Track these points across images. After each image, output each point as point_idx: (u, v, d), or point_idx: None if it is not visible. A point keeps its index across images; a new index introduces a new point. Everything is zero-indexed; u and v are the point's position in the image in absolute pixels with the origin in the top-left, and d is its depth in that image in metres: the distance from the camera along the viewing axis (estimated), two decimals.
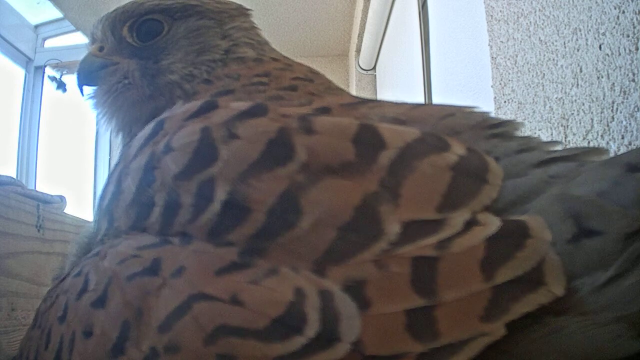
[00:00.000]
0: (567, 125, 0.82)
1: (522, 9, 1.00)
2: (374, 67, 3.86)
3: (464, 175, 0.41)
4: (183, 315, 0.38)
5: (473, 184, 0.40)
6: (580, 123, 0.78)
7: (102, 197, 0.55)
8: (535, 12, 0.94)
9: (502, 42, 1.11)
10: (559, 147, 0.48)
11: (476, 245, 0.36)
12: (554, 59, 0.87)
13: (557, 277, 0.35)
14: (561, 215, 0.37)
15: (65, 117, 4.18)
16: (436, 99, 2.08)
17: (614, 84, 0.69)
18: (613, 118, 0.70)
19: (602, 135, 0.72)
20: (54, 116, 4.08)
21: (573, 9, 0.80)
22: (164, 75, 0.66)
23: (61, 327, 0.47)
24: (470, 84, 1.48)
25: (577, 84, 0.79)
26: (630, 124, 0.66)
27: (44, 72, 4.02)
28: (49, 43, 4.20)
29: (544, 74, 0.91)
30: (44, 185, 3.97)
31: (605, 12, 0.70)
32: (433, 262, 0.36)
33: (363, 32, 3.47)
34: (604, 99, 0.72)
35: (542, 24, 0.91)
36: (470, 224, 0.38)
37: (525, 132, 0.51)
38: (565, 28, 0.82)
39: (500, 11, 1.12)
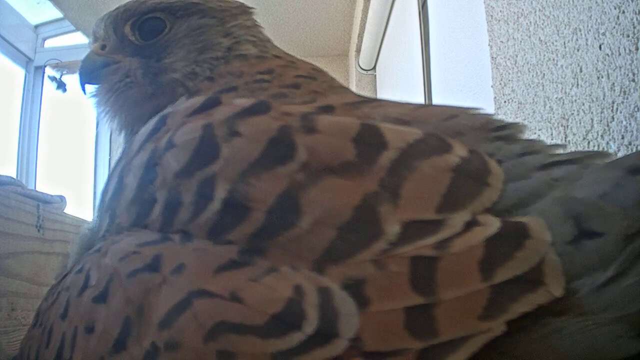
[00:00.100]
0: (567, 125, 0.82)
1: (522, 9, 1.00)
2: (374, 67, 3.86)
3: (465, 177, 0.41)
4: (183, 312, 0.39)
5: (474, 186, 0.41)
6: (580, 123, 0.78)
7: (104, 193, 0.55)
8: (535, 12, 0.94)
9: (502, 42, 1.11)
10: (562, 151, 0.48)
11: (475, 245, 0.36)
12: (554, 59, 0.87)
13: (557, 278, 0.35)
14: (562, 216, 0.37)
15: (65, 117, 4.18)
16: (436, 99, 2.08)
17: (614, 84, 0.69)
18: (613, 118, 0.70)
19: (602, 135, 0.72)
20: (54, 116, 4.08)
21: (573, 9, 0.80)
22: (166, 74, 0.66)
23: (63, 324, 0.47)
24: (470, 84, 1.48)
25: (577, 84, 0.79)
26: (630, 124, 0.66)
27: (44, 72, 4.02)
28: (49, 43, 4.20)
29: (544, 74, 0.91)
30: (44, 185, 3.97)
31: (605, 12, 0.71)
32: (432, 262, 0.36)
33: (363, 32, 3.47)
34: (604, 99, 0.72)
35: (542, 24, 0.91)
36: (470, 224, 0.38)
37: (529, 135, 0.51)
38: (565, 28, 0.82)
39: (500, 11, 1.12)
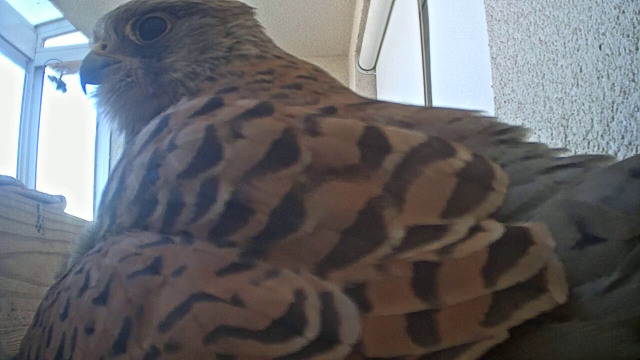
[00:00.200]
0: (567, 125, 0.82)
1: (522, 9, 1.00)
2: (374, 67, 3.86)
3: (469, 182, 0.41)
4: (184, 315, 0.39)
5: (478, 191, 0.40)
6: (580, 123, 0.78)
7: (104, 193, 0.55)
8: (535, 12, 0.94)
9: (502, 42, 1.11)
10: (565, 154, 0.48)
11: (479, 251, 0.36)
12: (554, 59, 0.87)
13: (560, 284, 0.35)
14: (565, 221, 0.37)
15: (65, 117, 4.18)
16: (436, 99, 2.08)
17: (614, 84, 0.69)
18: (613, 118, 0.70)
19: (602, 135, 0.72)
20: (54, 116, 4.08)
21: (573, 9, 0.80)
22: (167, 73, 0.66)
23: (63, 324, 0.47)
24: (470, 84, 1.48)
25: (577, 84, 0.79)
26: (630, 124, 0.66)
27: (44, 72, 4.02)
28: (49, 43, 4.20)
29: (544, 74, 0.91)
30: (44, 185, 3.97)
31: (605, 12, 0.71)
32: (435, 267, 0.36)
33: (363, 32, 3.47)
34: (604, 99, 0.72)
35: (542, 24, 0.91)
36: (473, 230, 0.38)
37: (531, 137, 0.51)
38: (565, 28, 0.82)
39: (500, 11, 1.12)
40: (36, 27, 4.10)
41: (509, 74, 1.07)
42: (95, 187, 4.13)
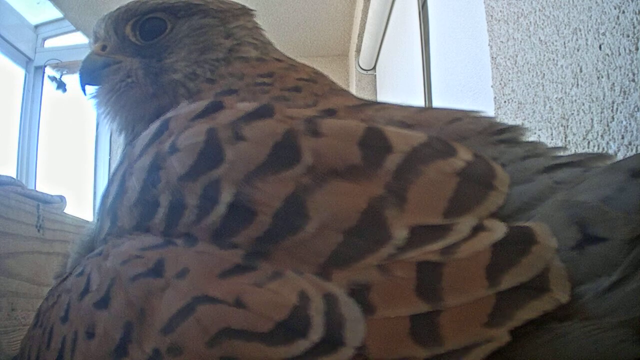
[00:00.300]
0: (567, 125, 0.82)
1: (522, 9, 1.00)
2: (374, 67, 3.86)
3: (471, 181, 0.41)
4: (186, 317, 0.38)
5: (479, 190, 0.40)
6: (580, 123, 0.78)
7: (104, 196, 0.55)
8: (535, 12, 0.94)
9: (502, 42, 1.11)
10: (564, 153, 0.48)
11: (481, 250, 0.36)
12: (554, 59, 0.87)
13: (562, 284, 0.35)
14: (565, 221, 0.37)
15: (65, 117, 4.18)
16: (436, 99, 2.08)
17: (614, 84, 0.69)
18: (613, 118, 0.70)
19: (602, 135, 0.72)
20: (54, 116, 4.08)
21: (573, 9, 0.80)
22: (167, 74, 0.66)
23: (63, 327, 0.47)
24: (470, 84, 1.48)
25: (577, 84, 0.79)
26: (630, 124, 0.66)
27: (44, 72, 4.03)
28: (49, 43, 4.20)
29: (544, 74, 0.91)
30: (44, 185, 3.97)
31: (605, 12, 0.71)
32: (438, 268, 0.36)
33: (363, 32, 3.47)
34: (604, 99, 0.72)
35: (542, 24, 0.91)
36: (476, 229, 0.38)
37: (530, 137, 0.51)
38: (565, 28, 0.82)
39: (500, 11, 1.12)
40: (36, 27, 4.10)
41: (509, 74, 1.07)
42: (95, 187, 4.13)
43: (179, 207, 0.44)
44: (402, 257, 0.37)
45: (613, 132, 0.70)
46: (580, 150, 0.78)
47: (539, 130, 0.92)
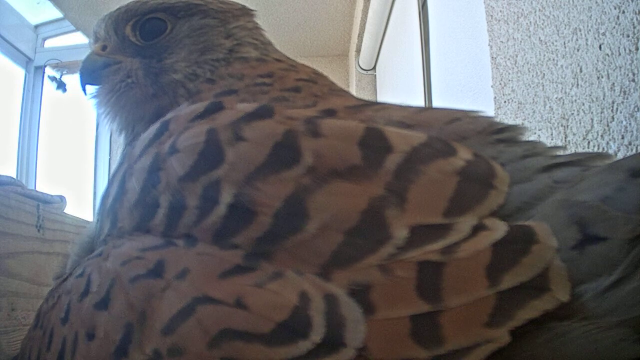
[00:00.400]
0: (567, 125, 0.82)
1: (522, 9, 1.00)
2: (374, 67, 3.86)
3: (471, 180, 0.41)
4: (187, 319, 0.38)
5: (480, 189, 0.40)
6: (580, 123, 0.78)
7: (104, 197, 0.55)
8: (535, 12, 0.94)
9: (502, 42, 1.11)
10: (563, 152, 0.48)
11: (482, 250, 0.36)
12: (554, 59, 0.87)
13: (562, 283, 0.35)
14: (565, 221, 0.37)
15: (65, 117, 4.18)
16: (436, 99, 2.08)
17: (614, 84, 0.69)
18: (613, 118, 0.70)
19: (602, 135, 0.72)
20: (54, 116, 4.08)
21: (573, 9, 0.80)
22: (167, 74, 0.66)
23: (63, 329, 0.47)
24: (470, 84, 1.48)
25: (577, 84, 0.79)
26: (630, 124, 0.66)
27: (44, 72, 4.03)
28: (49, 43, 4.20)
29: (544, 74, 0.91)
30: (44, 185, 3.97)
31: (605, 12, 0.71)
32: (439, 267, 0.36)
33: (363, 32, 3.47)
34: (604, 99, 0.72)
35: (542, 24, 0.91)
36: (477, 229, 0.38)
37: (529, 136, 0.51)
38: (565, 28, 0.82)
39: (500, 11, 1.12)
40: (36, 27, 4.11)
41: (509, 74, 1.07)
42: (95, 187, 4.13)
43: (179, 207, 0.44)
44: (403, 256, 0.37)
45: (613, 132, 0.70)
46: (580, 150, 0.78)
47: (539, 130, 0.92)
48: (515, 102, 1.04)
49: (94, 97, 0.71)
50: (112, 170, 0.59)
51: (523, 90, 1.00)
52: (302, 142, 0.43)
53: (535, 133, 0.93)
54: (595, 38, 0.73)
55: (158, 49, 0.68)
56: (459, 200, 0.39)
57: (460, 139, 0.47)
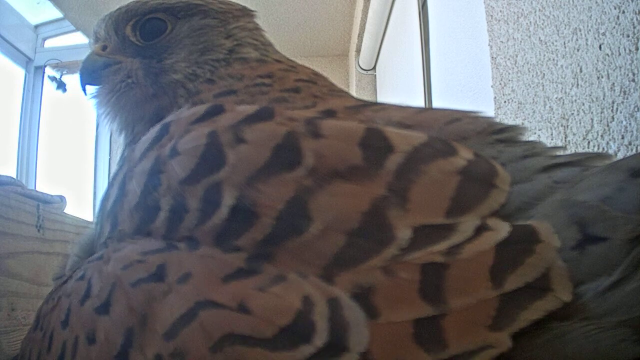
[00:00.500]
0: (567, 125, 0.82)
1: (522, 9, 1.00)
2: (374, 67, 3.86)
3: (472, 180, 0.41)
4: (189, 323, 0.38)
5: (481, 189, 0.40)
6: (580, 123, 0.78)
7: (104, 199, 0.55)
8: (535, 12, 0.94)
9: (502, 42, 1.11)
10: (563, 152, 0.48)
11: (486, 251, 0.36)
12: (554, 59, 0.87)
13: (564, 283, 0.35)
14: (566, 221, 0.37)
15: (65, 117, 4.18)
16: (436, 99, 2.08)
17: (614, 84, 0.69)
18: (613, 118, 0.70)
19: (602, 135, 0.72)
20: (54, 116, 4.08)
21: (573, 9, 0.80)
22: (167, 75, 0.66)
23: (64, 332, 0.47)
24: (470, 84, 1.48)
25: (577, 84, 0.79)
26: (630, 124, 0.66)
27: (44, 72, 4.03)
28: (49, 43, 4.20)
29: (544, 74, 0.91)
30: (44, 185, 3.97)
31: (605, 12, 0.71)
32: (442, 269, 0.36)
33: (363, 32, 3.47)
34: (604, 99, 0.72)
35: (542, 24, 0.91)
36: (480, 229, 0.38)
37: (529, 136, 0.51)
38: (565, 28, 0.82)
39: (500, 11, 1.12)
40: (36, 27, 4.11)
41: (509, 74, 1.07)
42: (95, 188, 4.13)
43: (181, 210, 0.44)
44: (407, 258, 0.37)
45: (613, 132, 0.70)
46: (580, 150, 0.78)
47: (539, 130, 0.92)
48: (515, 102, 1.04)
49: (94, 97, 0.71)
50: (112, 172, 0.59)
51: (523, 90, 1.00)
52: (303, 143, 0.43)
53: (535, 133, 0.93)
54: (595, 38, 0.73)
55: (158, 49, 0.68)
56: (461, 199, 0.39)
57: (460, 139, 0.47)
